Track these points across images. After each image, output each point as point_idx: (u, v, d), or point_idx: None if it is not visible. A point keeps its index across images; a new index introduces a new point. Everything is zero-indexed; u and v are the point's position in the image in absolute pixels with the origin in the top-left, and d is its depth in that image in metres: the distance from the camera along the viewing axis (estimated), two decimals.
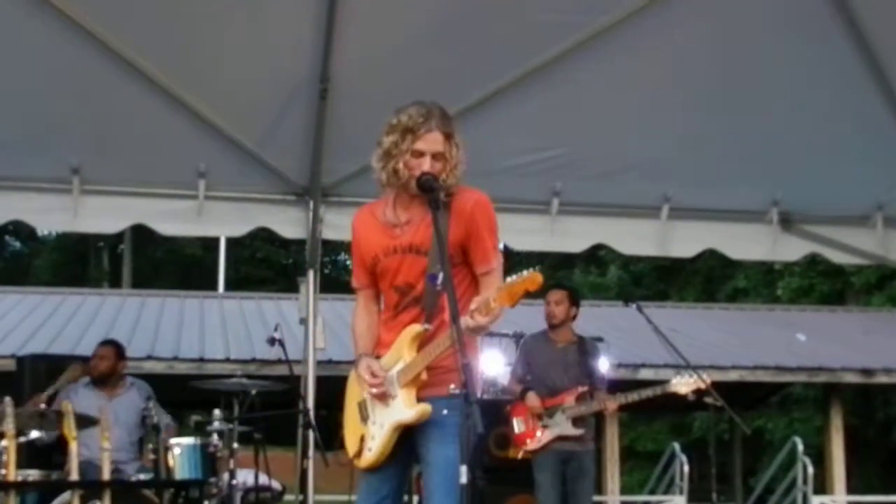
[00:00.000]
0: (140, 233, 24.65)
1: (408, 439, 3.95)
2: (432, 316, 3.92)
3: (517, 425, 7.21)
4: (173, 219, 7.24)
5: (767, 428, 23.51)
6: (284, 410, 7.35)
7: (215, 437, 6.81)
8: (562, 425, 7.06)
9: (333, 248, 32.27)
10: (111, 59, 6.05)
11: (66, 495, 5.98)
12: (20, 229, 34.28)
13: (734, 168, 7.23)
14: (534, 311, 7.50)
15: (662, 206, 7.55)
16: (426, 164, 3.85)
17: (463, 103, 6.53)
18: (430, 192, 3.76)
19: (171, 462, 6.46)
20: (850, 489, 15.10)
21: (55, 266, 36.53)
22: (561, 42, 6.18)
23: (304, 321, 7.34)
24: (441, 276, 3.63)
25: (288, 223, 7.41)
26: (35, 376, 8.43)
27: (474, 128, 6.56)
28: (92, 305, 16.68)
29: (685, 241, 7.79)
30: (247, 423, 7.13)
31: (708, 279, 29.72)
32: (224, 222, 7.40)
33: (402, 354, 3.94)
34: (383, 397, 3.94)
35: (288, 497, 8.08)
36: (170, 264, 37.07)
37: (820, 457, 15.37)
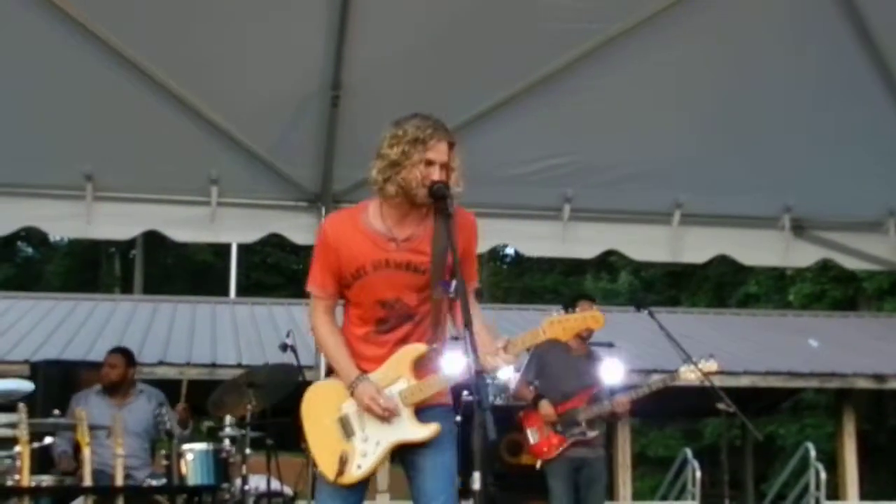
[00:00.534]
0: (152, 239, 24.68)
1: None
2: (437, 333, 3.97)
3: (531, 435, 7.20)
4: (185, 225, 7.27)
5: (779, 434, 23.47)
6: (296, 416, 7.35)
7: (227, 442, 6.82)
8: (580, 427, 7.06)
9: None
10: (124, 67, 6.08)
11: (79, 501, 6.00)
12: (32, 235, 34.38)
13: (746, 174, 7.24)
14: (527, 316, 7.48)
15: (674, 213, 7.55)
16: (436, 174, 3.83)
17: (474, 111, 6.56)
18: (443, 200, 3.74)
19: (183, 468, 6.47)
20: (863, 495, 15.07)
21: (67, 272, 36.60)
22: (573, 49, 6.20)
23: None
24: (454, 283, 3.64)
25: (299, 229, 7.43)
26: (48, 382, 8.47)
27: (486, 135, 6.61)
28: (104, 311, 16.73)
29: (697, 247, 7.79)
30: (259, 429, 7.15)
31: (719, 285, 29.69)
32: (236, 229, 7.42)
33: (401, 373, 3.94)
34: (387, 417, 3.92)
35: (300, 502, 8.09)
36: (181, 270, 37.11)
37: (832, 462, 15.34)
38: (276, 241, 10.93)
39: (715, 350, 7.39)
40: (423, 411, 3.95)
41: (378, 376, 3.95)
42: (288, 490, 7.66)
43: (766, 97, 6.59)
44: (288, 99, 6.52)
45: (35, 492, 6.07)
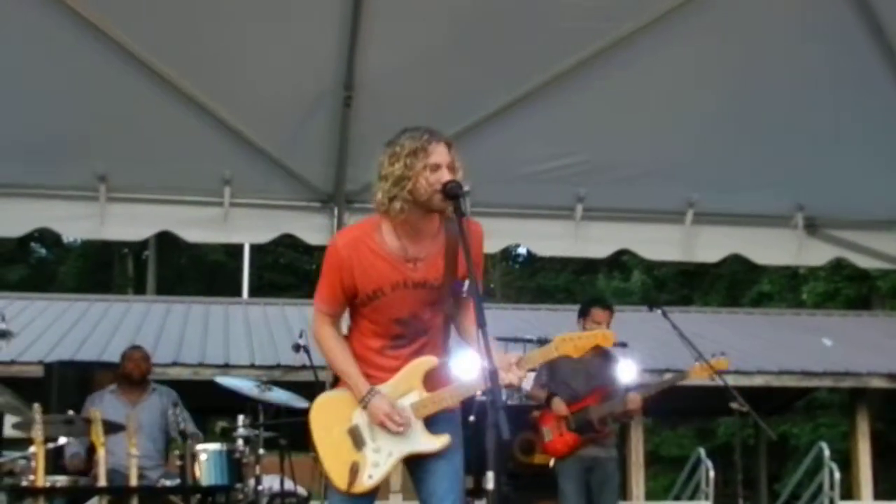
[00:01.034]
0: (164, 239, 24.72)
1: None
2: (447, 344, 4.03)
3: (546, 434, 7.20)
4: (199, 226, 7.27)
5: (793, 433, 23.41)
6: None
7: (241, 442, 6.83)
8: (592, 425, 7.05)
9: None
10: (137, 68, 6.09)
11: (93, 501, 6.02)
12: (46, 236, 34.48)
13: (758, 173, 7.22)
14: (539, 315, 7.49)
15: (687, 212, 7.53)
16: (446, 175, 3.82)
17: (486, 111, 6.57)
18: (456, 199, 3.73)
19: (197, 468, 6.48)
20: (877, 494, 15.03)
21: (80, 273, 36.72)
22: (584, 49, 6.20)
23: None
24: (467, 283, 3.65)
25: (312, 230, 7.44)
26: (63, 383, 8.51)
27: (498, 135, 6.61)
28: (117, 312, 16.78)
29: (710, 246, 7.77)
30: (272, 429, 7.16)
31: (732, 284, 29.63)
32: (249, 229, 7.43)
33: (412, 386, 3.98)
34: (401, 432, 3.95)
35: (313, 503, 8.10)
36: (194, 271, 37.20)
37: (846, 462, 15.30)
38: (288, 242, 10.95)
39: (728, 349, 7.37)
40: (431, 420, 3.99)
41: (389, 388, 3.99)
42: (301, 490, 7.67)
43: (778, 95, 6.57)
44: (301, 99, 6.53)
45: (49, 492, 6.09)
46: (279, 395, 7.11)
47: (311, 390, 7.10)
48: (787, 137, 6.91)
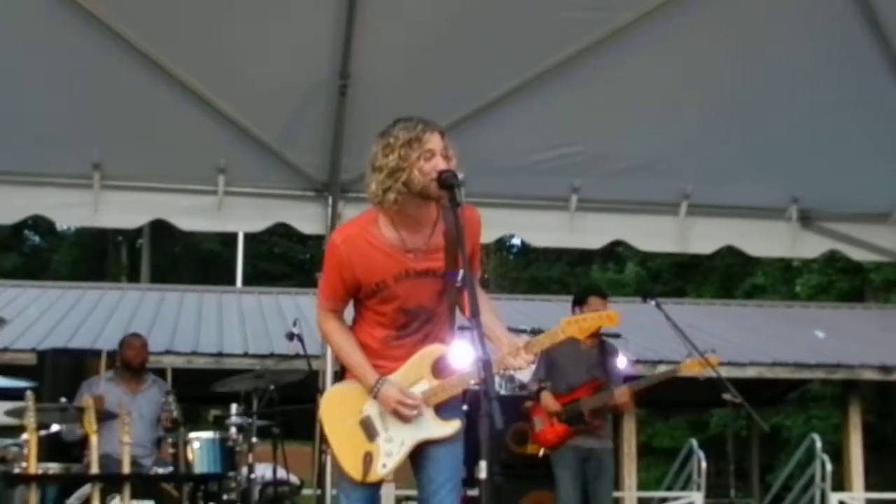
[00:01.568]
0: (158, 228, 24.72)
1: None
2: (452, 330, 4.03)
3: (537, 423, 7.22)
4: (193, 214, 7.27)
5: (785, 425, 23.45)
6: (303, 405, 7.38)
7: (234, 431, 6.84)
8: (584, 416, 7.06)
9: None
10: (132, 56, 6.08)
11: (86, 488, 6.02)
12: (39, 224, 34.44)
13: (753, 165, 7.23)
14: (533, 306, 7.49)
15: (681, 203, 7.55)
16: (442, 163, 3.81)
17: (482, 101, 6.57)
18: (451, 189, 3.70)
19: (190, 456, 6.49)
20: (869, 486, 15.03)
21: (74, 261, 36.69)
22: (580, 40, 6.20)
23: None
24: (461, 273, 3.64)
25: (307, 219, 7.44)
26: (56, 370, 8.51)
27: (493, 125, 6.61)
28: (111, 300, 16.74)
29: (704, 237, 7.79)
30: (265, 418, 7.17)
31: (726, 276, 29.65)
32: (243, 218, 7.43)
33: (421, 374, 4.00)
34: (414, 416, 3.98)
35: (306, 491, 8.12)
36: (188, 259, 37.20)
37: (838, 454, 15.32)
38: (282, 231, 10.97)
39: (721, 341, 7.40)
40: (439, 407, 4.01)
41: (399, 377, 4.00)
42: (294, 479, 7.68)
43: (774, 88, 6.58)
44: (296, 88, 6.52)
45: (42, 479, 6.10)
46: None
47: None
48: (782, 130, 6.92)
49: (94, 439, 5.97)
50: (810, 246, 7.95)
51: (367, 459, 3.96)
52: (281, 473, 7.29)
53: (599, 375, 7.19)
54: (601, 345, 7.33)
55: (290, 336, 7.40)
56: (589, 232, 7.65)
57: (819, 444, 14.49)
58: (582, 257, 32.26)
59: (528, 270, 36.79)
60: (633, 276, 30.63)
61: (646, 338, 12.73)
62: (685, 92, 6.62)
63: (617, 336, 7.86)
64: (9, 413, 6.34)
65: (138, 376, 7.48)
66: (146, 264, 35.97)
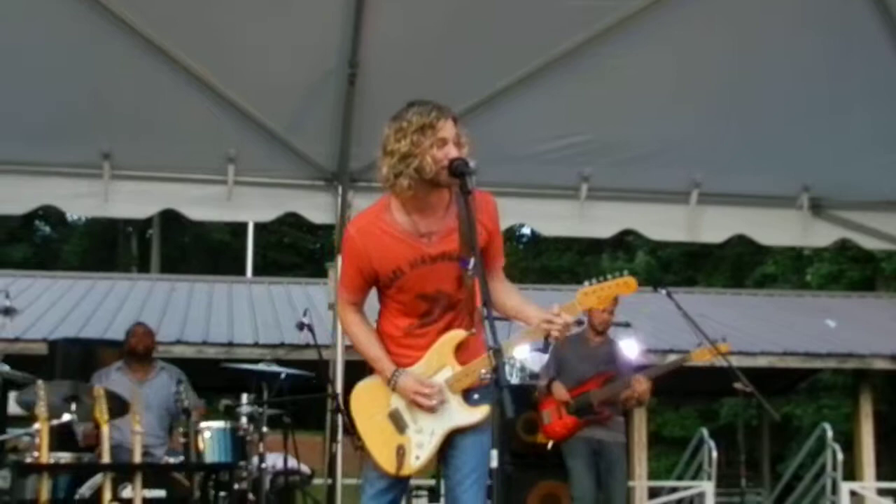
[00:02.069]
0: (168, 218, 24.75)
1: None
2: (473, 316, 3.99)
3: (546, 416, 7.21)
4: (203, 204, 7.28)
5: (796, 414, 23.40)
6: (313, 395, 7.39)
7: (245, 420, 6.85)
8: (593, 408, 7.05)
9: None
10: (142, 46, 6.08)
11: (97, 478, 6.03)
12: (50, 214, 34.53)
13: (764, 153, 7.20)
14: (544, 295, 7.48)
15: (692, 192, 7.53)
16: (453, 151, 3.79)
17: (491, 89, 6.55)
18: (463, 177, 3.69)
19: (201, 445, 6.50)
20: (880, 476, 15.02)
21: (84, 251, 36.76)
22: (589, 28, 6.18)
23: (332, 306, 7.36)
24: (472, 260, 3.63)
25: (316, 208, 7.44)
26: (67, 360, 8.52)
27: (503, 114, 6.60)
28: (122, 290, 16.77)
29: (714, 226, 7.77)
30: (276, 407, 7.17)
31: (736, 265, 29.58)
32: (253, 207, 7.43)
33: (444, 362, 3.97)
34: (435, 406, 3.95)
35: (316, 481, 8.11)
36: (198, 249, 37.24)
37: (849, 443, 15.29)
38: (292, 221, 10.96)
39: (732, 330, 7.39)
40: (468, 393, 3.98)
41: (422, 367, 3.98)
42: (305, 468, 7.69)
43: (784, 75, 6.55)
44: (305, 77, 6.52)
45: (53, 468, 6.11)
46: None
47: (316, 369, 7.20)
48: (793, 118, 6.89)
49: (105, 429, 5.97)
50: (821, 234, 7.92)
51: (401, 452, 3.94)
52: (292, 463, 7.30)
53: (608, 368, 7.18)
54: (611, 342, 7.33)
55: (301, 326, 7.40)
56: (599, 221, 7.64)
57: (830, 434, 14.46)
58: (592, 246, 32.18)
59: (538, 260, 36.74)
60: (643, 266, 30.54)
61: (656, 327, 12.71)
62: (695, 80, 6.60)
63: (627, 325, 7.85)
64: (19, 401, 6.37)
65: (146, 365, 7.48)
66: (156, 254, 36.03)
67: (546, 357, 7.19)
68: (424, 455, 3.97)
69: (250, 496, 6.65)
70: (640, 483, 13.98)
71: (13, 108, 6.48)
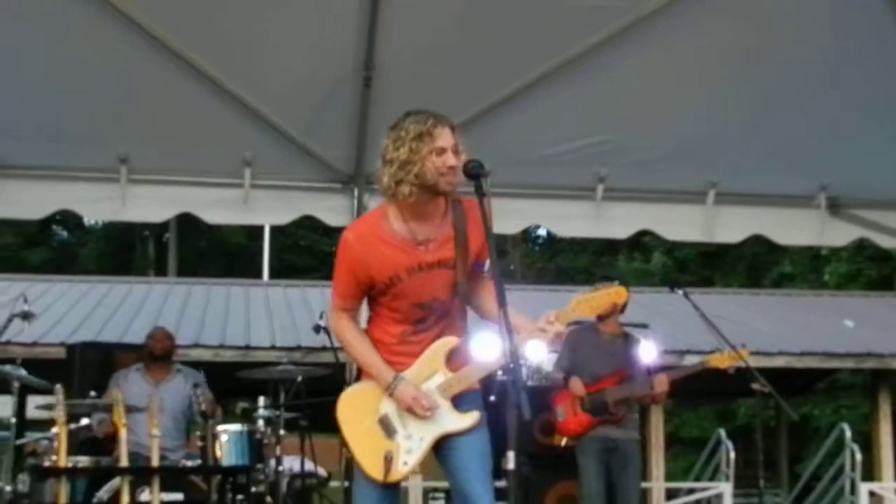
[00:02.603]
0: (185, 221, 24.83)
1: None
2: (465, 323, 4.06)
3: (560, 413, 7.20)
4: (219, 207, 7.29)
5: (814, 414, 23.32)
6: (330, 397, 7.38)
7: (262, 423, 6.86)
8: (608, 407, 7.03)
9: None
10: (158, 50, 6.11)
11: (115, 481, 6.05)
12: (67, 218, 34.63)
13: (781, 152, 7.18)
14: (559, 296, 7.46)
15: (708, 192, 7.50)
16: (451, 159, 3.83)
17: (506, 91, 6.56)
18: (478, 179, 3.71)
19: (217, 449, 6.51)
20: None
21: (102, 255, 36.92)
22: (604, 29, 6.18)
23: None
24: (487, 263, 3.65)
25: (333, 211, 7.44)
26: (85, 364, 8.54)
27: (518, 115, 6.60)
28: (139, 294, 16.82)
29: (731, 226, 7.74)
30: (293, 410, 7.18)
31: (753, 265, 29.49)
32: (269, 210, 7.45)
33: (436, 368, 4.00)
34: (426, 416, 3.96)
35: (333, 483, 8.12)
36: (214, 253, 37.33)
37: (867, 443, 15.22)
38: (308, 224, 10.97)
39: (750, 331, 7.37)
40: (457, 399, 4.00)
41: (413, 373, 4.00)
42: (322, 471, 7.70)
43: (800, 74, 6.53)
44: (321, 80, 6.53)
45: (72, 472, 6.13)
46: None
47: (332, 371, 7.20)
48: (810, 117, 6.86)
49: (123, 432, 6.00)
50: (839, 234, 7.88)
51: (388, 458, 3.94)
52: (308, 466, 7.31)
53: (624, 366, 7.16)
54: (626, 337, 7.31)
55: (318, 329, 7.41)
56: (615, 221, 7.62)
57: (848, 434, 14.42)
58: (608, 247, 32.18)
59: (553, 261, 36.75)
60: (659, 266, 30.53)
61: (673, 328, 12.70)
62: (711, 79, 6.58)
63: (644, 326, 7.83)
64: (39, 407, 6.39)
65: (164, 367, 7.51)
66: (173, 258, 36.13)
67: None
68: (412, 461, 3.98)
69: (267, 499, 6.66)
70: (658, 484, 13.95)
71: (31, 113, 6.52)
